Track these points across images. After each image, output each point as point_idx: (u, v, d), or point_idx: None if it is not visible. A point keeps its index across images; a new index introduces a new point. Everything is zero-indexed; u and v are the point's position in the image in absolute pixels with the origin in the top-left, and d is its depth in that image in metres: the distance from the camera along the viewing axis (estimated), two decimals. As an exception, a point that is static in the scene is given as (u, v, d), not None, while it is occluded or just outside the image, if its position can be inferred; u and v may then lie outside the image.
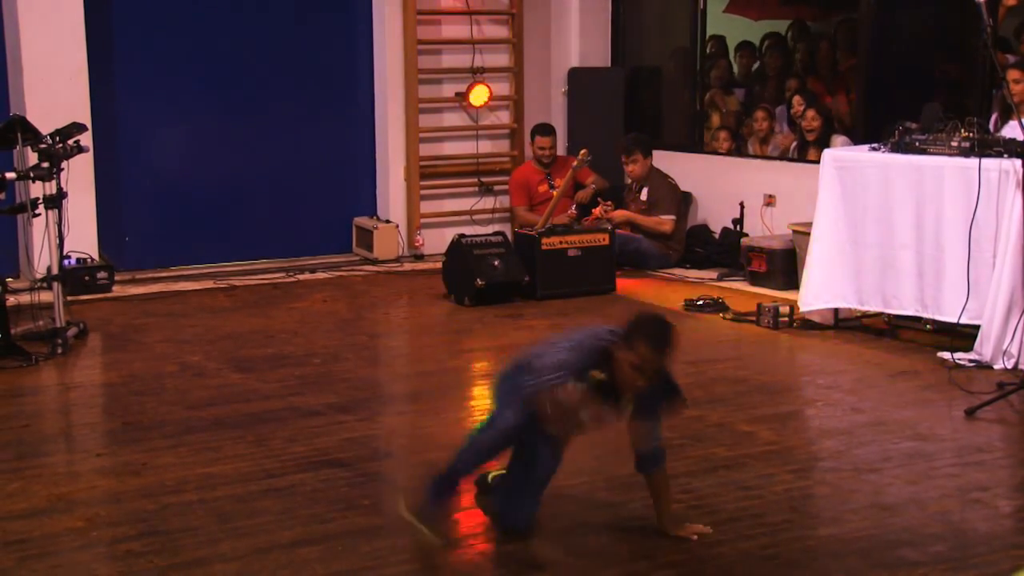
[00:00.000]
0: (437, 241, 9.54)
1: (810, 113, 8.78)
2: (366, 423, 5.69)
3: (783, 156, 9.20)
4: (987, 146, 6.50)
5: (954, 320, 6.54)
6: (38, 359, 6.66)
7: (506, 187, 10.06)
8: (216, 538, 4.28)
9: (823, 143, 8.50)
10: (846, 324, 7.36)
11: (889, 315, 7.13)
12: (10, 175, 7.01)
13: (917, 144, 6.81)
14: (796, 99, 9.07)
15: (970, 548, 4.17)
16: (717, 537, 4.25)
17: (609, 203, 9.17)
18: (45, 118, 7.36)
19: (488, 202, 10.27)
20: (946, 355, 6.49)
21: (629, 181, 9.61)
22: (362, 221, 9.96)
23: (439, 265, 8.70)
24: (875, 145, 7.11)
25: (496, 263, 8.29)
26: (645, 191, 9.41)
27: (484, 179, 10.24)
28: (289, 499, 4.65)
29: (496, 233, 8.80)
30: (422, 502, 4.16)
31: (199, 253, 9.42)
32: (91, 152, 8.14)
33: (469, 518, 4.57)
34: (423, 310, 8.34)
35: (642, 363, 3.92)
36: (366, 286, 9.01)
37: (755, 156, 9.50)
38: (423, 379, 6.61)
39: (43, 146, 6.99)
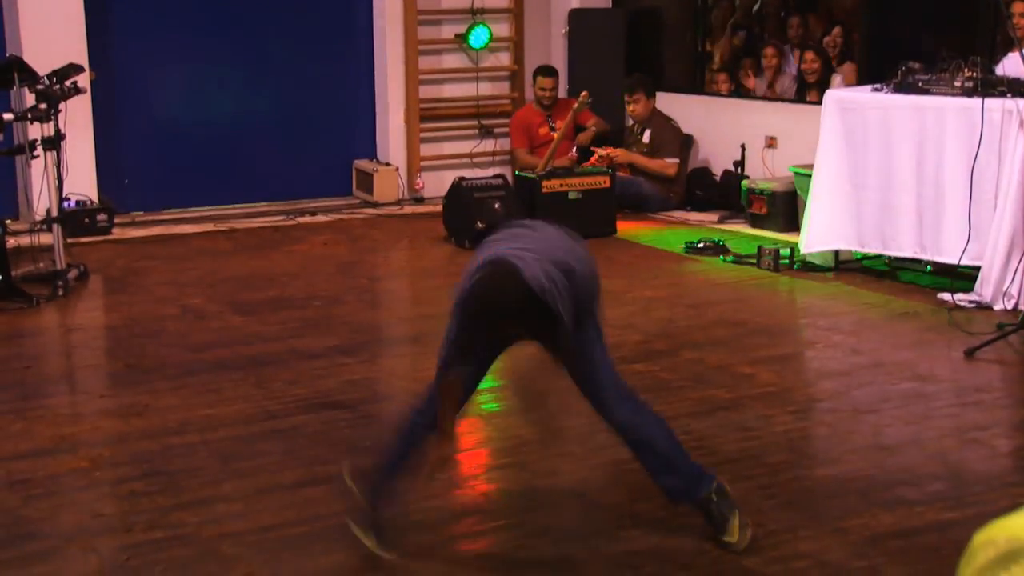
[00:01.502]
0: (437, 184, 9.50)
1: (809, 55, 8.71)
2: (367, 365, 5.70)
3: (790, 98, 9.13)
4: (990, 86, 6.45)
5: (954, 261, 6.53)
6: (39, 301, 6.66)
7: (506, 130, 10.00)
8: (219, 479, 4.30)
9: (824, 84, 8.44)
10: (846, 266, 7.35)
11: (889, 257, 7.11)
12: (8, 116, 6.96)
13: (920, 84, 6.75)
14: (769, 51, 9.05)
15: (968, 487, 4.19)
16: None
17: (607, 149, 9.11)
18: (42, 59, 7.29)
19: (488, 145, 10.21)
20: (946, 296, 6.49)
21: (631, 123, 9.55)
22: (362, 164, 9.91)
23: (439, 208, 8.67)
24: (877, 86, 7.05)
25: (496, 206, 8.26)
26: (647, 133, 9.35)
27: (484, 122, 10.18)
28: (291, 440, 4.66)
29: (496, 176, 8.76)
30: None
31: (199, 196, 9.38)
32: (89, 94, 8.09)
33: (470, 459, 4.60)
34: (423, 253, 8.32)
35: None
36: (366, 229, 8.98)
37: (757, 97, 9.42)
38: (423, 322, 6.61)
39: (41, 87, 6.94)
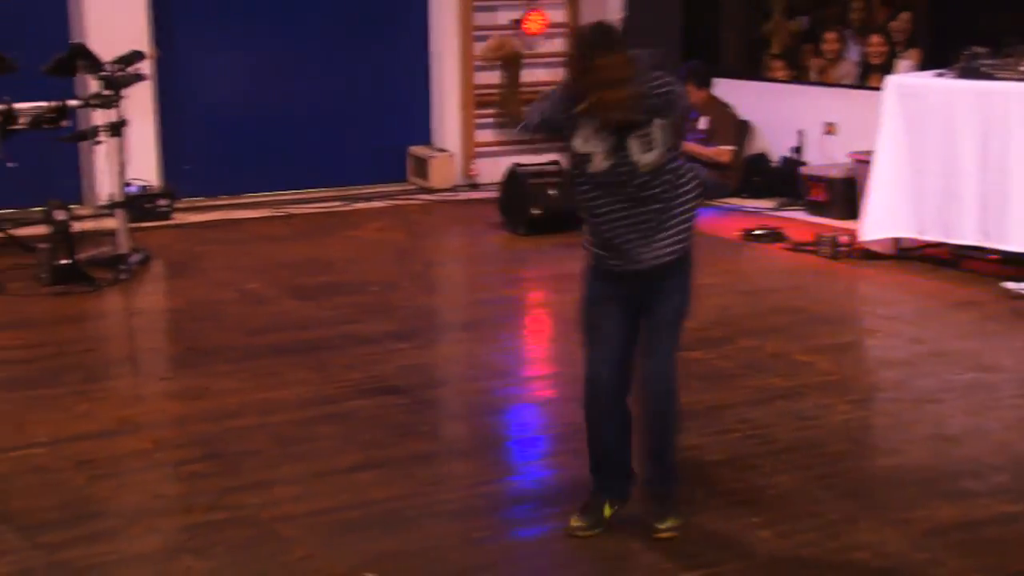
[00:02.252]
0: (492, 170, 9.48)
1: (876, 38, 8.57)
2: (422, 350, 5.71)
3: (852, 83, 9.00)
4: (1058, 72, 6.32)
5: (1019, 249, 6.41)
6: (103, 285, 6.75)
7: (562, 115, 9.96)
8: (276, 461, 4.33)
9: (886, 70, 8.31)
10: (907, 254, 7.24)
11: (951, 245, 7.00)
12: (73, 103, 7.05)
13: (984, 70, 6.63)
14: (831, 35, 8.90)
15: (1032, 479, 4.12)
16: (775, 466, 4.22)
17: None
18: (106, 46, 7.37)
19: (544, 131, 10.17)
20: (1010, 285, 6.38)
21: (687, 110, 9.47)
22: (417, 150, 9.93)
23: (495, 194, 8.66)
24: (941, 71, 6.94)
25: (552, 192, 8.23)
26: (704, 120, 9.27)
27: (540, 107, 10.14)
28: (348, 424, 4.69)
29: (552, 162, 8.72)
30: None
31: (257, 182, 9.44)
32: (151, 80, 8.16)
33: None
34: (479, 239, 8.32)
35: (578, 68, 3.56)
36: (422, 215, 9.00)
37: (815, 83, 9.30)
38: (479, 307, 6.61)
39: (104, 74, 7.02)
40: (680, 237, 3.66)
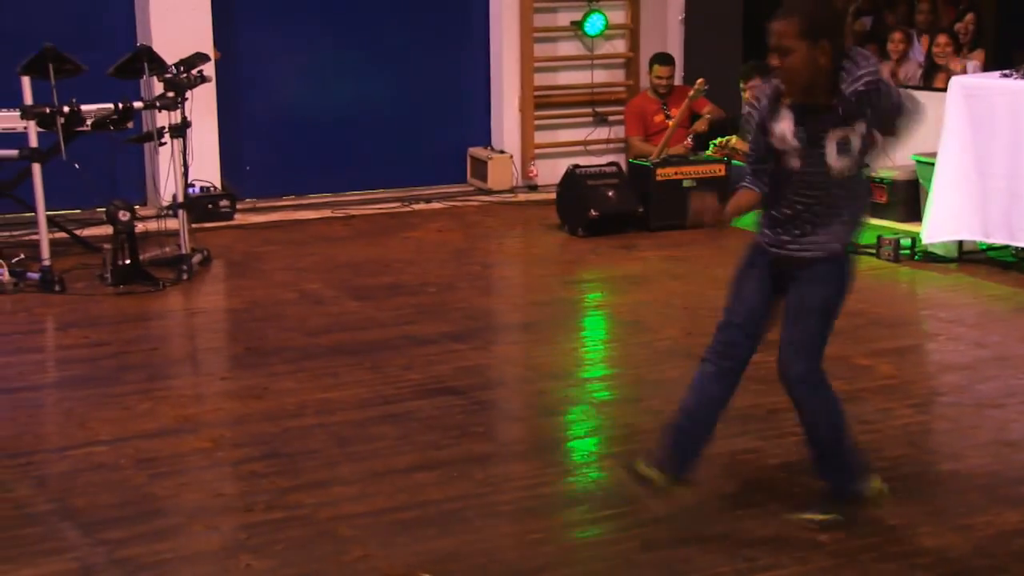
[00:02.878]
0: (551, 171, 9.48)
1: (942, 38, 8.45)
2: (480, 352, 5.72)
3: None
4: None
5: (1085, 253, 6.30)
6: (165, 284, 6.84)
7: (621, 117, 9.94)
8: (335, 461, 4.36)
9: (951, 71, 8.19)
10: (970, 257, 7.13)
11: (1016, 248, 6.88)
12: (137, 104, 7.16)
13: (1051, 70, 6.52)
14: (897, 35, 8.78)
15: (1098, 487, 4.04)
16: (833, 470, 4.17)
17: (727, 140, 8.99)
18: (170, 48, 7.47)
19: (602, 132, 10.16)
20: (1076, 289, 6.26)
21: (747, 110, 9.39)
22: (476, 151, 9.95)
23: (553, 195, 8.66)
24: (1007, 72, 6.83)
25: (610, 193, 8.22)
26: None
27: (599, 109, 10.13)
28: (405, 425, 4.71)
29: (610, 163, 8.71)
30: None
31: (317, 183, 9.52)
32: (214, 82, 8.26)
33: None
34: (536, 240, 8.33)
35: (772, 41, 3.67)
36: (480, 216, 9.02)
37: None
38: (536, 309, 6.61)
39: (168, 76, 7.11)
40: (833, 239, 3.67)
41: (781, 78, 3.66)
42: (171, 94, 7.08)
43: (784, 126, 3.65)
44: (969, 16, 8.75)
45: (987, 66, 8.04)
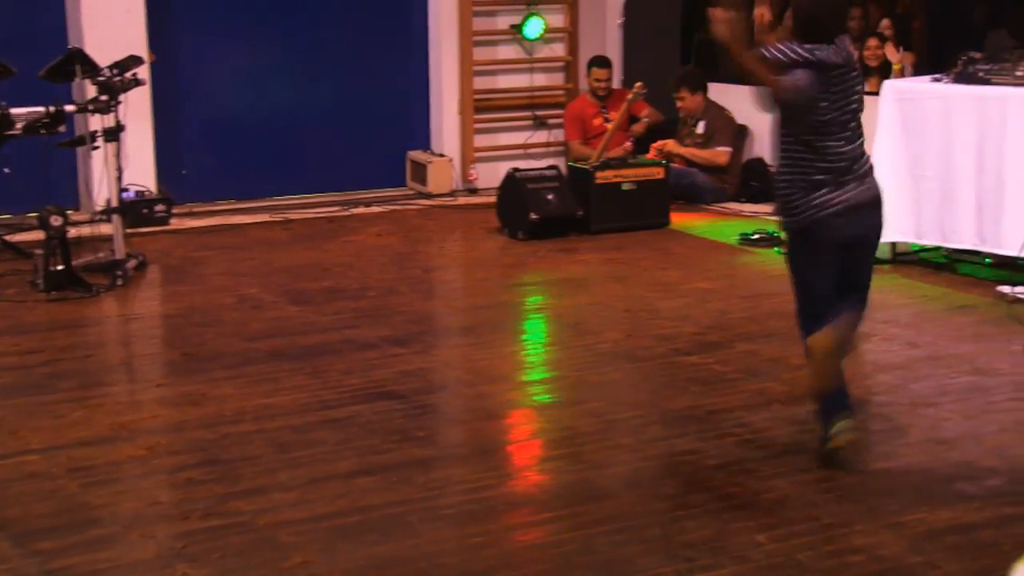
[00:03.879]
0: (491, 175, 9.50)
1: (873, 41, 8.59)
2: (421, 355, 5.72)
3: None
4: (1053, 76, 6.34)
5: (1015, 253, 6.43)
6: (99, 290, 6.75)
7: (560, 121, 9.98)
8: (274, 467, 4.34)
9: (885, 72, 8.33)
10: (904, 258, 7.25)
11: (948, 249, 7.01)
12: (69, 108, 7.07)
13: (980, 75, 6.65)
14: (873, 41, 8.91)
15: (1028, 483, 4.14)
16: (771, 470, 4.24)
17: (660, 143, 9.08)
18: (102, 51, 7.39)
19: (542, 136, 10.19)
20: (1005, 289, 6.39)
21: (683, 115, 9.49)
22: (416, 155, 9.94)
23: (493, 199, 8.68)
24: (937, 76, 6.96)
25: (550, 197, 8.25)
26: (701, 124, 9.29)
27: (538, 113, 10.16)
28: (346, 430, 4.70)
29: (550, 167, 8.75)
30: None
31: (255, 187, 9.45)
32: (148, 85, 8.18)
33: (523, 450, 4.61)
34: (477, 244, 8.34)
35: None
36: (420, 220, 9.01)
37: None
38: (477, 312, 6.63)
39: (101, 79, 7.03)
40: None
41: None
42: (104, 97, 7.00)
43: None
44: (885, 21, 8.88)
45: (918, 70, 8.19)
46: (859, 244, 4.25)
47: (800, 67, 4.03)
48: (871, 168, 4.28)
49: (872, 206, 4.23)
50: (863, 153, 4.25)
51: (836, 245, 4.17)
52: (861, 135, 4.24)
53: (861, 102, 4.23)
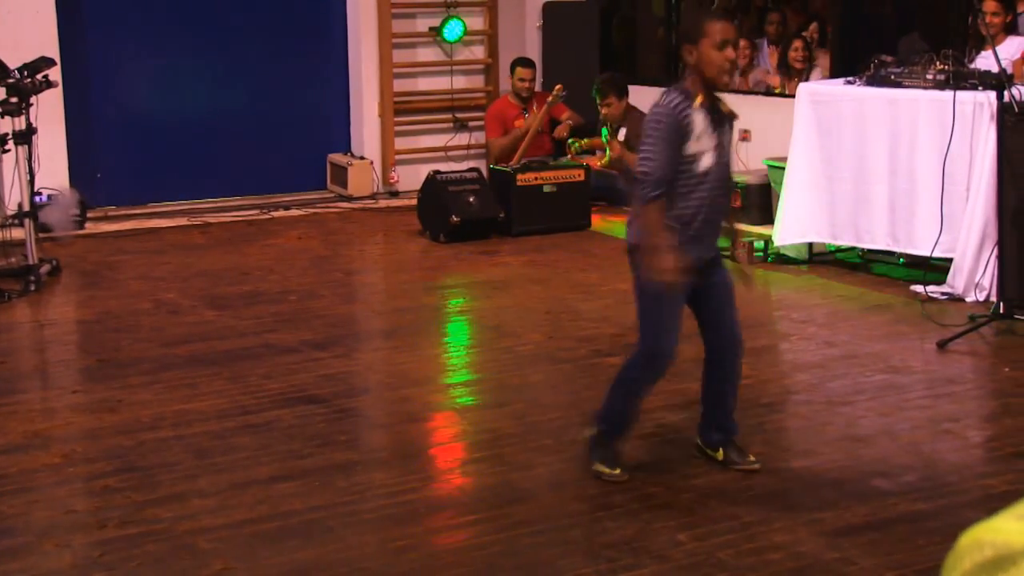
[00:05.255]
0: (412, 177, 9.48)
1: (798, 43, 8.73)
2: (342, 359, 5.69)
3: (768, 91, 9.15)
4: (962, 79, 6.49)
5: (927, 253, 6.56)
6: (11, 296, 6.61)
7: (481, 123, 9.99)
8: (193, 473, 4.28)
9: (808, 75, 8.45)
10: (820, 258, 7.38)
11: (862, 249, 7.15)
12: (-22, 111, 6.90)
13: (892, 77, 6.79)
14: (741, 43, 9.04)
15: (941, 478, 4.23)
16: (691, 470, 4.28)
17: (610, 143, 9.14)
18: (12, 53, 7.23)
19: (463, 138, 10.20)
20: (919, 288, 6.53)
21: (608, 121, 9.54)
22: (336, 158, 9.89)
23: (414, 202, 8.66)
24: (851, 79, 7.09)
25: (471, 199, 8.26)
26: (622, 131, 9.35)
27: (459, 115, 10.16)
28: (266, 435, 4.65)
29: (471, 169, 8.76)
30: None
31: (173, 190, 9.34)
32: (60, 87, 8.02)
33: (446, 453, 4.60)
34: (398, 247, 8.31)
35: (722, 37, 3.91)
36: (341, 223, 8.96)
37: (731, 91, 9.43)
38: (398, 315, 6.61)
39: (11, 81, 6.89)
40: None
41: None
42: (14, 99, 6.85)
43: (698, 130, 3.98)
44: (813, 25, 9.06)
45: (832, 73, 8.33)
46: None
47: None
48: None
49: None
50: None
51: None
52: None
53: None
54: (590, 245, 8.06)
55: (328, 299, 6.79)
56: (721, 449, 4.30)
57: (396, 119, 9.91)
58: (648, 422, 4.73)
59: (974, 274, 6.38)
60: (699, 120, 3.91)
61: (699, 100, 3.92)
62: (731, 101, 4.05)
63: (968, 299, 6.36)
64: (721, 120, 4.00)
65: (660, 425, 4.72)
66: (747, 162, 8.92)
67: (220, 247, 8.09)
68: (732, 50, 3.94)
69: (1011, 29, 7.07)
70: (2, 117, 6.95)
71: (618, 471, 4.19)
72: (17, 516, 3.96)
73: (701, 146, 3.92)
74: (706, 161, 3.94)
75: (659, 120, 3.92)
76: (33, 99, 7.00)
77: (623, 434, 4.26)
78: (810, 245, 7.36)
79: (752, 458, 4.29)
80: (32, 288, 6.76)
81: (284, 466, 4.34)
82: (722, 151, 4.00)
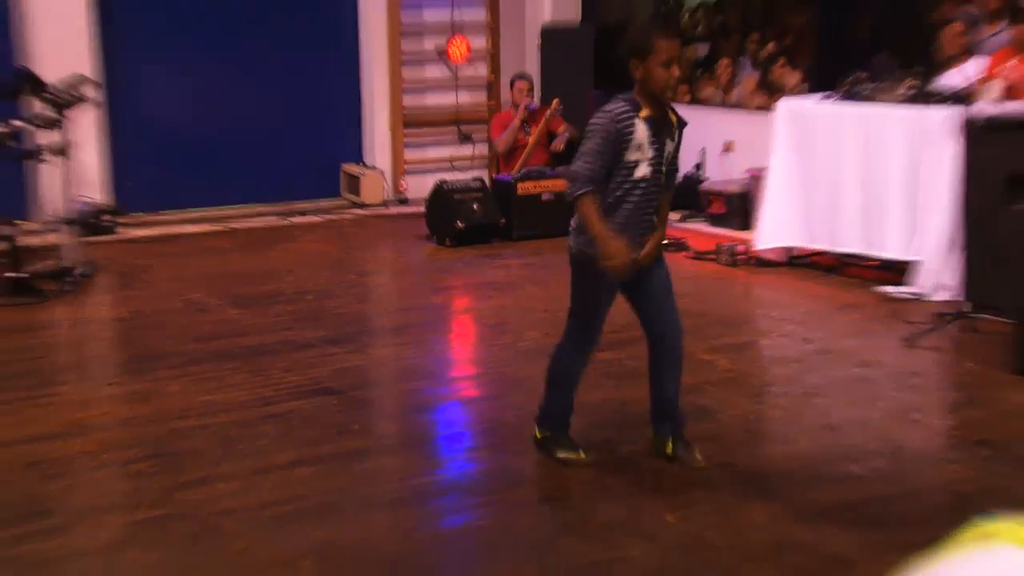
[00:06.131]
0: (420, 186, 9.51)
1: (783, 59, 8.76)
2: (355, 354, 5.71)
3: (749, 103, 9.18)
4: (930, 95, 6.51)
5: (896, 257, 6.59)
6: (49, 296, 6.64)
7: (484, 136, 10.01)
8: (218, 460, 4.30)
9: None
10: (798, 261, 7.41)
11: (837, 253, 7.17)
12: (18, 123, 6.93)
13: (865, 93, 6.81)
14: (724, 62, 9.07)
15: (907, 463, 4.25)
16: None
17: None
18: (51, 68, 7.26)
19: (467, 150, 10.22)
20: (888, 289, 6.55)
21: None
22: (350, 168, 9.91)
23: (422, 209, 8.68)
24: (827, 94, 7.11)
25: (475, 207, 8.28)
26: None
27: (463, 128, 10.19)
28: (285, 424, 4.67)
29: (475, 179, 8.79)
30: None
31: (199, 197, 9.37)
32: (96, 101, 8.06)
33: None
34: (407, 250, 8.34)
35: (668, 55, 3.82)
36: (354, 228, 8.98)
37: (717, 105, 9.47)
38: (408, 314, 6.63)
39: (49, 95, 6.91)
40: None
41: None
42: (51, 113, 6.88)
43: (638, 139, 3.91)
44: (771, 45, 9.04)
45: (811, 89, 8.35)
46: None
47: None
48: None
49: None
50: None
51: None
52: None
53: None
54: (585, 249, 8.06)
55: (342, 299, 6.82)
56: (669, 442, 4.19)
57: (405, 132, 9.94)
58: (639, 414, 4.75)
59: (939, 276, 6.40)
60: (641, 131, 3.85)
61: (644, 112, 3.86)
62: (717, 114, 4.07)
63: (934, 299, 6.39)
64: (668, 131, 3.92)
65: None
66: (731, 172, 8.95)
67: (243, 250, 8.11)
68: (677, 68, 3.85)
69: (973, 50, 7.09)
70: (40, 129, 6.98)
71: (581, 453, 4.18)
72: (56, 498, 3.98)
73: (639, 155, 3.87)
74: (642, 170, 3.89)
75: (600, 125, 3.89)
76: (69, 113, 7.02)
77: (568, 422, 4.25)
78: (789, 249, 7.38)
79: (698, 456, 4.16)
80: (68, 289, 6.78)
81: (302, 452, 4.36)
82: (659, 162, 3.91)
